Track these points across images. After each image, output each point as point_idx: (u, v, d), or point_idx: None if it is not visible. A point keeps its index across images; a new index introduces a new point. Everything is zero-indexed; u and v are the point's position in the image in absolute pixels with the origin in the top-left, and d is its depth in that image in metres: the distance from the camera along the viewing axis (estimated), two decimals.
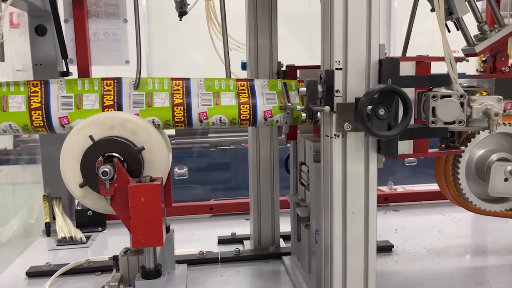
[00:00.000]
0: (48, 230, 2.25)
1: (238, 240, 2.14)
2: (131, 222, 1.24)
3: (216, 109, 1.38)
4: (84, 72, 2.31)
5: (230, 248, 2.00)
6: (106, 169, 1.22)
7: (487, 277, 1.81)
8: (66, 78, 1.76)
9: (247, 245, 2.09)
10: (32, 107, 1.33)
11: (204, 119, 1.38)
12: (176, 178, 3.42)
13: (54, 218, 2.26)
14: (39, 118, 1.34)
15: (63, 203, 2.29)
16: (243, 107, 1.39)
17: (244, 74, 1.96)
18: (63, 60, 2.12)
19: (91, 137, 1.25)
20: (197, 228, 2.40)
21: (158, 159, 1.33)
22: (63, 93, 1.37)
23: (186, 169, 3.41)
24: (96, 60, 2.37)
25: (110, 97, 1.37)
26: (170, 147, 1.50)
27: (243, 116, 1.40)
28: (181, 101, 1.37)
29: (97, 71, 2.37)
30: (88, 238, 2.20)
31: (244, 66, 1.99)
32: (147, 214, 1.24)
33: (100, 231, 2.32)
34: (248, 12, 1.86)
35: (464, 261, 1.95)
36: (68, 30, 2.28)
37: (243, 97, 1.40)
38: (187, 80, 1.42)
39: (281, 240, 2.08)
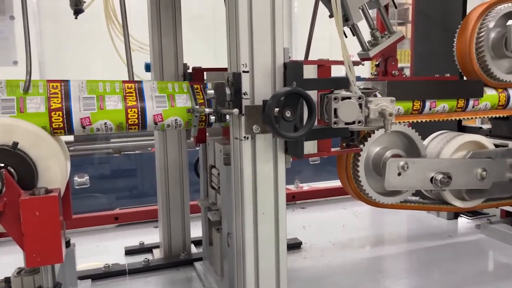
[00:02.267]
0: None
1: (147, 249, 2.06)
2: (24, 239, 1.12)
3: (100, 113, 1.28)
4: None
5: (139, 259, 1.92)
6: None
7: (385, 265, 1.95)
8: None
9: (157, 253, 2.01)
10: None
11: (87, 124, 1.28)
12: (76, 187, 3.19)
13: None
14: None
15: None
16: (131, 111, 1.30)
17: (148, 76, 1.89)
18: None
19: None
20: (101, 239, 2.27)
21: (54, 168, 1.21)
22: None
23: (87, 177, 3.19)
24: None
25: None
26: (68, 155, 1.39)
27: (131, 121, 1.31)
28: (59, 105, 1.25)
29: None
30: None
31: (148, 68, 1.92)
32: (43, 230, 1.12)
33: None
34: (151, 12, 1.80)
35: (365, 252, 2.09)
36: None
37: (130, 100, 1.32)
38: (66, 82, 1.30)
39: (193, 246, 2.04)
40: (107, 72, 3.27)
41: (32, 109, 1.23)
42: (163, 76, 1.82)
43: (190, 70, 1.83)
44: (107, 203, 3.82)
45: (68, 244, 1.53)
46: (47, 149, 1.20)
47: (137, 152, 4.44)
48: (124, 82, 1.35)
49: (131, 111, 1.30)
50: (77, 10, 1.95)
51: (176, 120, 1.36)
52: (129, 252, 2.05)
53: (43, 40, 6.32)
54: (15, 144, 1.14)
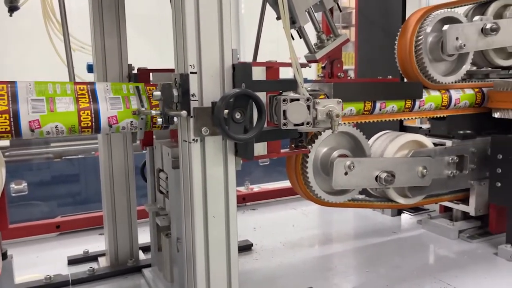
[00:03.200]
0: None
1: (92, 257, 1.98)
2: None
3: (51, 116, 1.24)
4: None
5: (83, 268, 1.83)
6: None
7: (334, 262, 2.00)
8: None
9: (103, 262, 1.93)
10: None
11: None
12: (13, 195, 3.01)
13: None
14: None
15: None
16: (84, 113, 1.28)
17: (90, 77, 1.81)
18: None
19: None
20: (42, 249, 2.15)
21: None
22: None
23: (25, 184, 3.02)
24: None
25: None
26: (3, 160, 1.30)
27: (84, 124, 1.28)
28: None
29: None
30: None
31: (90, 69, 1.84)
32: None
33: None
34: (92, 10, 1.72)
35: (315, 251, 2.13)
36: None
37: (83, 102, 1.29)
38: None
39: (141, 252, 1.98)
40: (46, 72, 3.11)
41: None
42: (107, 77, 1.75)
43: (135, 71, 1.78)
44: (48, 211, 3.63)
45: (4, 256, 1.43)
46: None
47: (80, 156, 4.27)
48: (76, 83, 1.34)
49: (84, 113, 1.30)
50: (12, 7, 1.85)
51: (138, 122, 1.36)
52: (72, 261, 1.96)
53: None
54: None
